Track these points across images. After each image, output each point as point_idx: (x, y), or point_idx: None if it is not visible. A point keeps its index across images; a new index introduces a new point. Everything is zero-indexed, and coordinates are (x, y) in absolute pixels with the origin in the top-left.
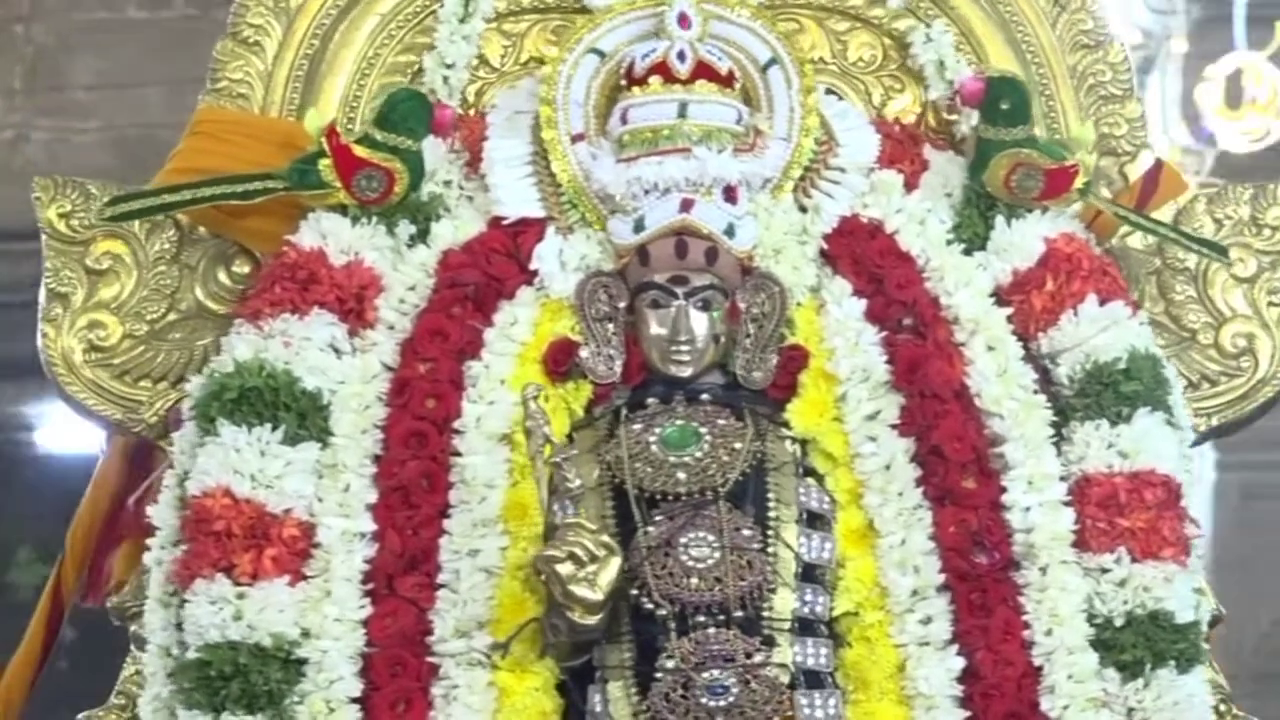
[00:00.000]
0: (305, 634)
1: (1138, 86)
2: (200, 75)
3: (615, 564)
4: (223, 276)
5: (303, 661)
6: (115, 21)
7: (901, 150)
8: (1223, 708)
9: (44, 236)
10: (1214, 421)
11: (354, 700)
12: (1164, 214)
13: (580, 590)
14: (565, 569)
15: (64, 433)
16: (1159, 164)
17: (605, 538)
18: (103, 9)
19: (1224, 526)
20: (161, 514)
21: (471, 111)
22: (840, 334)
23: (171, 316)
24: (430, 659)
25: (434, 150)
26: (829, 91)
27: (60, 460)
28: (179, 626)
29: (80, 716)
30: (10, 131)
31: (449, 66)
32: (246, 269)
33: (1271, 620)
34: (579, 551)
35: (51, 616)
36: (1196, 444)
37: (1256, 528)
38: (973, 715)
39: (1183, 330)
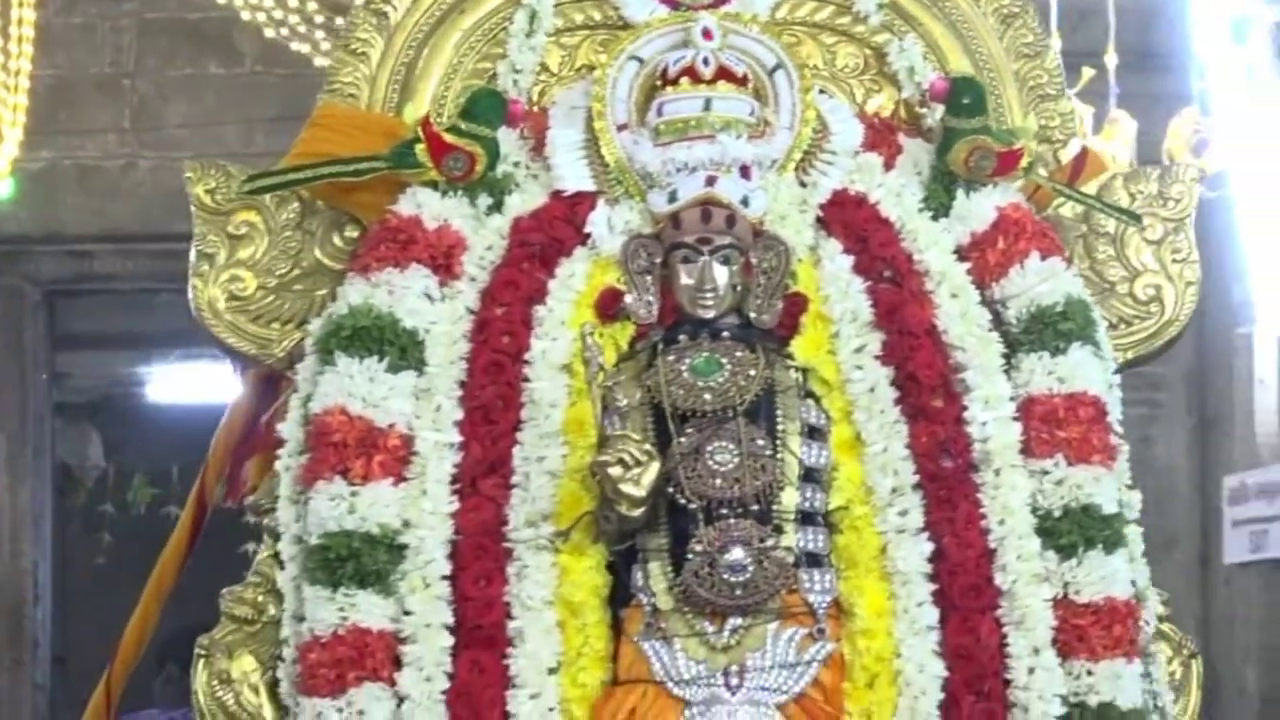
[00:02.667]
0: (406, 524)
1: None
2: (264, 116)
3: (655, 468)
4: (337, 240)
5: (404, 546)
6: (199, 76)
7: (880, 138)
8: (1144, 584)
9: (193, 208)
10: (1129, 355)
11: (444, 577)
12: (1088, 189)
13: (627, 488)
14: (615, 471)
15: (169, 389)
16: (1085, 150)
17: (647, 446)
18: (190, 66)
19: None
20: (289, 429)
21: (534, 108)
22: (833, 284)
23: (295, 272)
24: (506, 544)
25: (507, 138)
26: (821, 91)
27: (165, 410)
28: (304, 519)
29: (224, 591)
30: (122, 160)
31: (518, 71)
32: (355, 234)
33: None
34: (626, 457)
35: (196, 516)
36: (1117, 372)
37: None
38: (940, 588)
39: (1104, 282)
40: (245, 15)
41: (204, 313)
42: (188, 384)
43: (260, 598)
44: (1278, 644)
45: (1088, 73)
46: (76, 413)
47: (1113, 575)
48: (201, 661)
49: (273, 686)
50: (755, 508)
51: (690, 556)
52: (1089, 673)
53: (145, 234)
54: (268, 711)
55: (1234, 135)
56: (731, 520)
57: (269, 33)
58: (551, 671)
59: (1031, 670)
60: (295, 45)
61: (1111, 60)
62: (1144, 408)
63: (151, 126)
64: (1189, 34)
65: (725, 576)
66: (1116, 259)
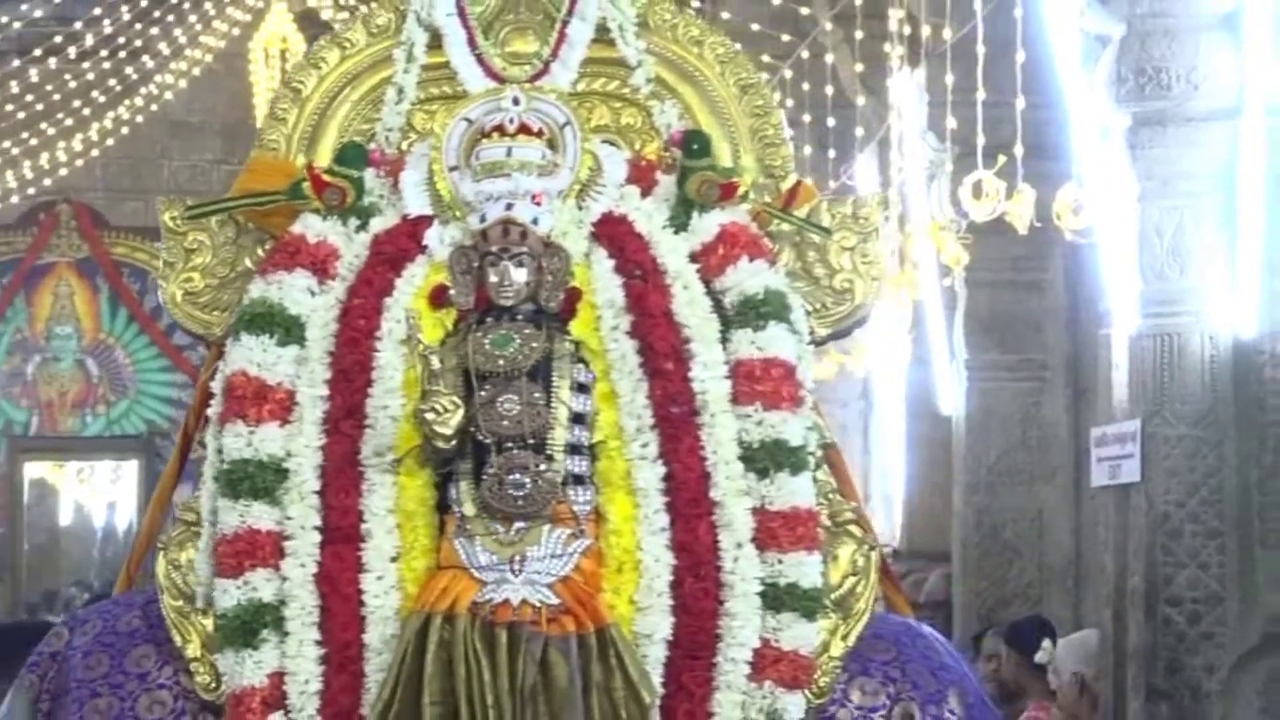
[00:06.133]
0: (288, 454)
1: (925, 182)
2: None
3: (460, 414)
4: (260, 252)
5: (286, 470)
6: None
7: (642, 174)
8: (834, 496)
9: (162, 230)
10: (829, 330)
11: (315, 492)
12: (802, 210)
13: (439, 428)
14: (430, 416)
15: None
16: (799, 182)
17: (455, 398)
18: None
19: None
20: (216, 385)
21: (403, 156)
22: (599, 281)
23: (231, 274)
24: (359, 469)
25: (371, 177)
26: (607, 141)
27: None
28: (219, 451)
29: (179, 502)
30: None
31: (389, 130)
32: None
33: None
34: (438, 407)
35: (183, 446)
36: (820, 344)
37: (989, 410)
38: (669, 500)
39: (811, 278)
40: None
41: (168, 303)
42: None
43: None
44: (1123, 540)
45: (1002, 159)
46: None
47: (796, 490)
48: (161, 553)
49: None
50: (532, 442)
51: (485, 477)
52: (780, 561)
53: None
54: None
55: (1099, 202)
56: (515, 451)
57: None
58: (393, 560)
59: (736, 559)
60: None
61: (1019, 150)
62: (1036, 383)
63: None
64: (1071, 134)
65: (510, 492)
66: (820, 261)
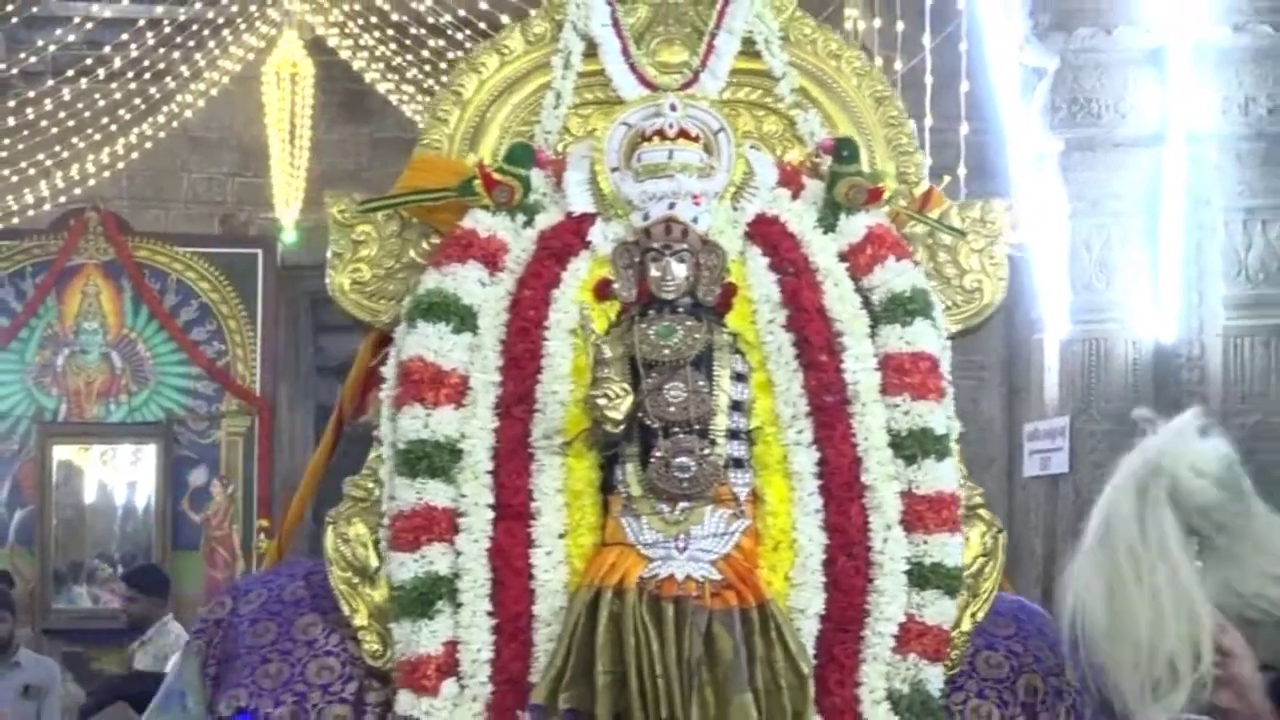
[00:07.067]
0: (463, 435)
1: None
2: None
3: (630, 400)
4: (425, 245)
5: (461, 451)
6: None
7: (790, 178)
8: (965, 482)
9: (331, 222)
10: (959, 327)
11: (488, 472)
12: (933, 214)
13: (610, 413)
14: (601, 401)
15: None
16: (931, 188)
17: (624, 385)
18: (403, 168)
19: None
20: (389, 371)
21: (559, 156)
22: (754, 277)
23: (397, 265)
24: (530, 450)
25: (536, 176)
26: (753, 147)
27: None
28: (395, 432)
29: (346, 479)
30: None
31: (548, 133)
32: (437, 240)
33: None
34: (609, 392)
35: (336, 429)
36: (950, 339)
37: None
38: (823, 484)
39: (942, 277)
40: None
41: (337, 293)
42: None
43: (370, 484)
44: (1052, 525)
45: (946, 179)
46: (329, 372)
47: (941, 476)
48: (330, 527)
49: (376, 544)
50: (697, 427)
51: (653, 460)
52: (925, 542)
53: None
54: (372, 561)
55: (1034, 220)
56: (681, 436)
57: None
58: (560, 536)
59: (885, 540)
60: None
61: (962, 171)
62: (974, 381)
63: None
64: (1009, 157)
65: (676, 474)
66: (951, 261)
